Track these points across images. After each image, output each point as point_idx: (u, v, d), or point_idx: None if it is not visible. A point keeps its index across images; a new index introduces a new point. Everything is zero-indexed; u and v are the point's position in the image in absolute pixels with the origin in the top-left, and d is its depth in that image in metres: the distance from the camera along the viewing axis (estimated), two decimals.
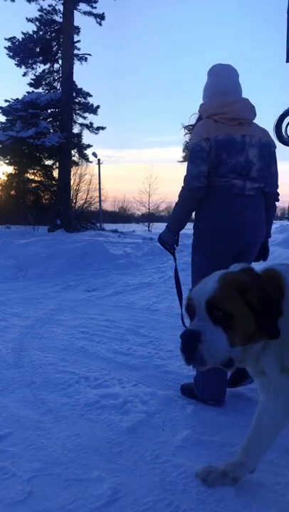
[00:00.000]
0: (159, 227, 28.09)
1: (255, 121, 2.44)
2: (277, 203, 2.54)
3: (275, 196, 2.51)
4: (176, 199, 2.43)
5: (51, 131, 16.23)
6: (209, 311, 1.39)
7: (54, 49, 17.49)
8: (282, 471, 1.87)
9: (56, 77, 18.03)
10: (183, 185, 2.37)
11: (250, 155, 2.30)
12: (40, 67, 17.83)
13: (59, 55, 17.30)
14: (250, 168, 2.31)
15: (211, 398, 2.45)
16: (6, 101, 16.41)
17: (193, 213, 2.46)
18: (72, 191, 17.97)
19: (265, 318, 1.36)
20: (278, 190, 2.51)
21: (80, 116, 18.41)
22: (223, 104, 2.30)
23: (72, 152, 17.61)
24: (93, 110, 18.20)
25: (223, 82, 2.38)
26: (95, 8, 16.69)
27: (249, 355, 1.46)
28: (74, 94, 17.32)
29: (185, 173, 2.35)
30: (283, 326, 1.39)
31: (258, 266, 1.59)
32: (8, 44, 16.81)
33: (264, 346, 1.46)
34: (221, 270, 1.54)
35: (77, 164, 19.27)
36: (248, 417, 2.36)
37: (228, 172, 2.28)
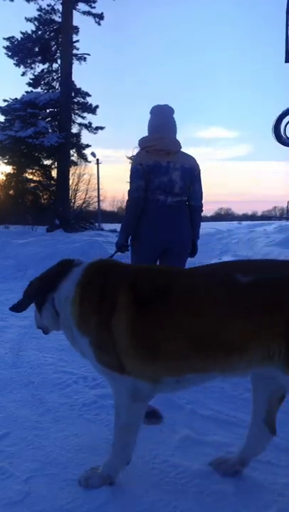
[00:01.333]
0: None
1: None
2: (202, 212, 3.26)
3: (199, 208, 3.16)
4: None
5: (50, 130, 16.20)
6: None
7: (53, 49, 17.47)
8: (281, 471, 1.87)
9: (55, 77, 18.01)
10: (128, 198, 3.01)
11: (174, 176, 2.94)
12: (39, 67, 17.82)
13: (58, 54, 17.28)
14: (173, 186, 2.95)
15: None
16: (5, 100, 16.41)
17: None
18: (70, 191, 17.95)
19: None
20: (203, 202, 3.15)
21: (79, 116, 18.40)
22: (152, 140, 2.98)
23: (71, 152, 17.59)
24: (92, 110, 18.19)
25: (157, 121, 3.05)
26: (94, 8, 16.68)
27: (57, 326, 1.93)
28: (73, 94, 17.29)
29: (132, 188, 2.96)
30: (58, 308, 1.86)
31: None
32: (7, 43, 16.78)
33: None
34: None
35: (75, 164, 19.25)
36: (247, 416, 2.36)
37: (155, 189, 2.92)
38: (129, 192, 3.00)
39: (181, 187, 2.97)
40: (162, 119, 3.05)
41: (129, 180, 3.03)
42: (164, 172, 2.92)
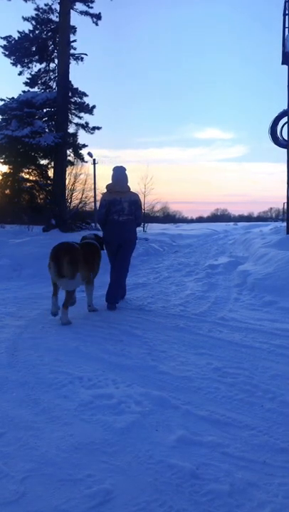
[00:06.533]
0: (155, 228, 28.05)
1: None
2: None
3: (139, 225, 5.52)
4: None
5: (47, 130, 16.13)
6: None
7: (50, 48, 17.39)
8: (275, 472, 1.88)
9: (52, 77, 17.92)
10: (96, 218, 6.75)
11: (124, 206, 5.22)
12: (36, 67, 17.70)
13: (55, 54, 17.20)
14: (123, 211, 5.22)
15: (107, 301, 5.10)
16: (2, 100, 16.28)
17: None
18: (67, 191, 17.89)
19: None
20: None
21: (76, 116, 18.31)
22: (114, 186, 5.32)
23: (68, 152, 17.54)
24: (89, 110, 18.12)
25: (116, 176, 5.34)
26: (92, 8, 16.62)
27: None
28: (70, 94, 17.24)
29: (97, 213, 5.64)
30: None
31: None
32: (4, 43, 16.67)
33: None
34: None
35: (72, 164, 19.20)
36: (242, 417, 2.37)
37: (113, 213, 5.21)
38: (97, 215, 5.64)
39: (128, 211, 5.22)
40: (118, 176, 5.32)
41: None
42: (118, 203, 5.21)
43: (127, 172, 5.42)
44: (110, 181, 5.39)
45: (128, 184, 5.39)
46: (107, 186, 5.33)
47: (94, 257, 4.86)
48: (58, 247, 4.34)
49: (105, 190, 5.43)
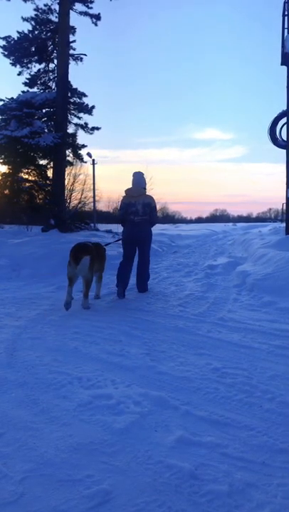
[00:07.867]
0: (154, 228, 28.05)
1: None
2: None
3: (153, 225, 6.31)
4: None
5: (46, 130, 16.12)
6: None
7: (49, 49, 17.39)
8: (274, 472, 1.88)
9: (51, 77, 17.91)
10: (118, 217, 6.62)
11: (138, 207, 6.04)
12: (36, 67, 17.69)
13: (54, 54, 17.21)
14: (137, 212, 6.04)
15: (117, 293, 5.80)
16: (1, 100, 16.28)
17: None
18: (66, 191, 17.88)
19: None
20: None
21: (75, 116, 18.30)
22: (130, 191, 6.13)
23: (67, 152, 17.53)
24: (88, 110, 18.11)
25: (134, 181, 6.18)
26: (91, 8, 16.63)
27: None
28: (69, 94, 17.24)
29: (118, 213, 6.58)
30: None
31: None
32: (3, 43, 16.66)
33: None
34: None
35: (71, 164, 19.19)
36: (241, 417, 2.37)
37: (129, 214, 6.05)
38: (118, 215, 6.47)
39: (142, 212, 6.05)
40: (135, 181, 6.17)
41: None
42: (133, 205, 6.05)
43: (144, 176, 6.33)
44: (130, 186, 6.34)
45: (144, 187, 6.24)
46: (126, 191, 6.21)
47: (102, 255, 5.86)
48: (78, 246, 5.30)
49: (124, 194, 6.29)
